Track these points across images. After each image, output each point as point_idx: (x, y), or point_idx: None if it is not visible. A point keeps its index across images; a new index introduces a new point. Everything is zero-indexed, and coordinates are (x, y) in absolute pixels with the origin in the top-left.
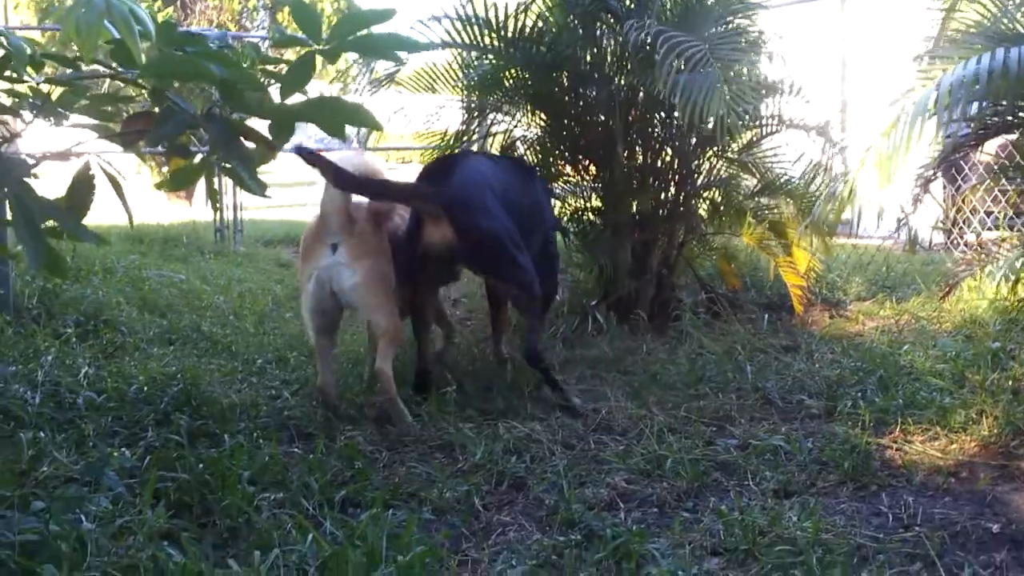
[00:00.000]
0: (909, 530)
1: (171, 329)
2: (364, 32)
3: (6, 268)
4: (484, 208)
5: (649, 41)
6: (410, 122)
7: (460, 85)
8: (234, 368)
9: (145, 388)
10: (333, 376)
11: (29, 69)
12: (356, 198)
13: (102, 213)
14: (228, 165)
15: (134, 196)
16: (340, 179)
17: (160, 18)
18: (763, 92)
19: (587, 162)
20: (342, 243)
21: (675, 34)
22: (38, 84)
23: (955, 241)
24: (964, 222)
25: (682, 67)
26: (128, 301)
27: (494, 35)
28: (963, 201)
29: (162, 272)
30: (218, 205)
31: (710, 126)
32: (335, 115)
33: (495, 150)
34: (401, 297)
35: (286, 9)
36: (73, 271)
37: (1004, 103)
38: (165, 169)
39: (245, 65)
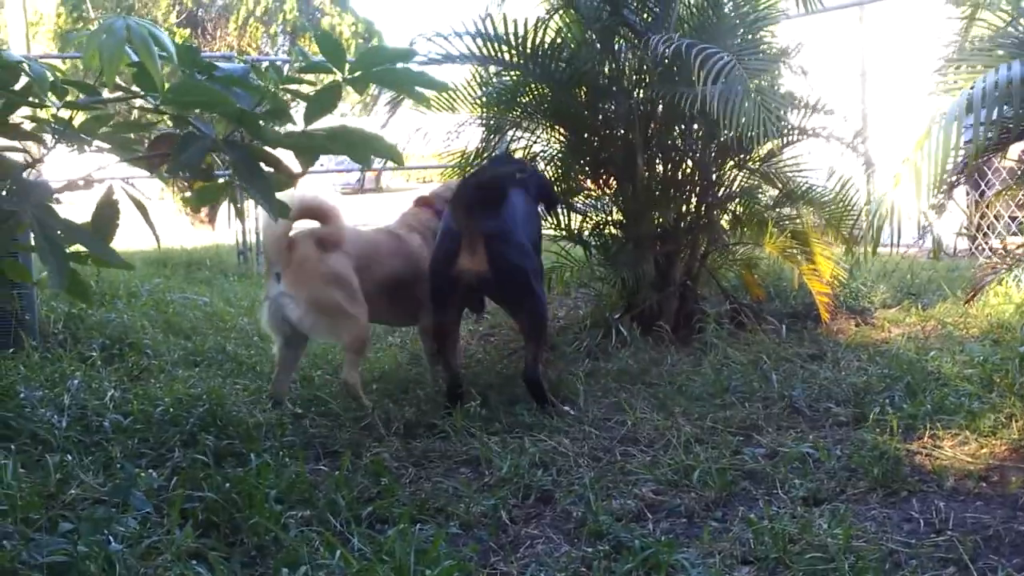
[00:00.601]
0: (941, 535)
1: (196, 351)
2: (390, 66)
3: (32, 294)
4: (520, 244)
5: (669, 54)
6: (429, 141)
7: (479, 103)
8: (259, 388)
9: (171, 410)
10: (287, 385)
11: (51, 95)
12: (301, 225)
13: (126, 238)
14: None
15: (158, 221)
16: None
17: (178, 40)
18: (785, 102)
19: (608, 176)
20: (283, 273)
21: (707, 46)
22: (59, 110)
23: (980, 247)
24: (988, 227)
25: (711, 79)
26: (153, 324)
27: (513, 51)
28: (987, 206)
29: (186, 295)
30: (245, 221)
31: (750, 134)
32: (357, 145)
33: None
34: (429, 317)
35: (307, 35)
36: (98, 296)
37: None
38: (188, 194)
39: (268, 86)
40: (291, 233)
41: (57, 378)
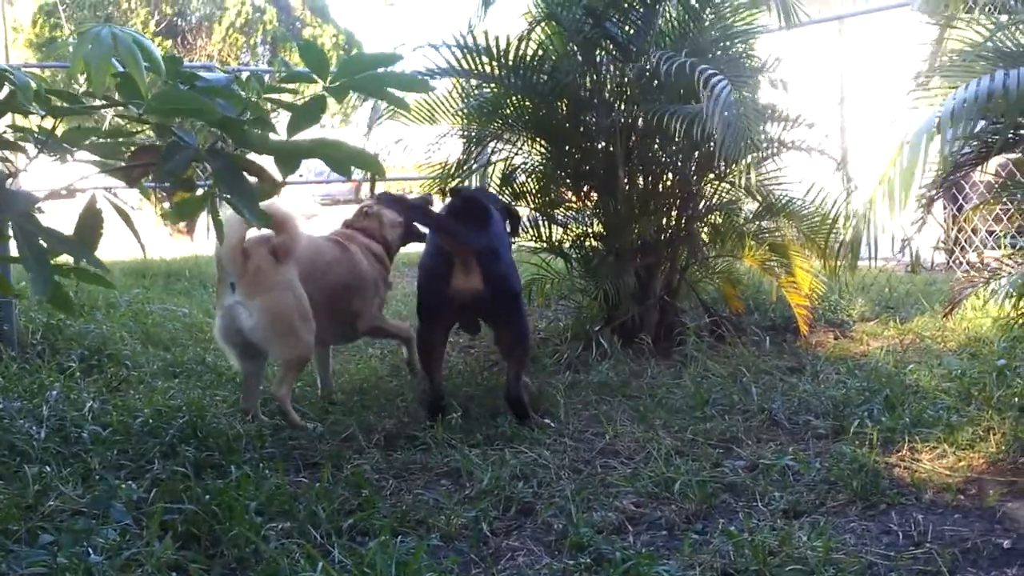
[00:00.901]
0: (920, 547)
1: (175, 362)
2: (371, 73)
3: (10, 304)
4: (509, 262)
5: (650, 68)
6: (410, 152)
7: (460, 114)
8: (238, 399)
9: (150, 421)
10: (256, 397)
11: (34, 105)
12: (255, 234)
13: (104, 249)
14: (230, 198)
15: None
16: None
17: (160, 52)
18: (766, 115)
19: (589, 188)
20: (237, 282)
21: (705, 64)
22: (42, 119)
23: (957, 260)
24: (966, 241)
25: (709, 96)
26: (132, 335)
27: (495, 63)
28: (964, 221)
29: (165, 306)
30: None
31: (729, 146)
32: (339, 156)
33: (496, 179)
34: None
35: (288, 45)
36: (76, 307)
37: (1004, 121)
38: (167, 204)
39: (250, 96)
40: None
41: (36, 389)
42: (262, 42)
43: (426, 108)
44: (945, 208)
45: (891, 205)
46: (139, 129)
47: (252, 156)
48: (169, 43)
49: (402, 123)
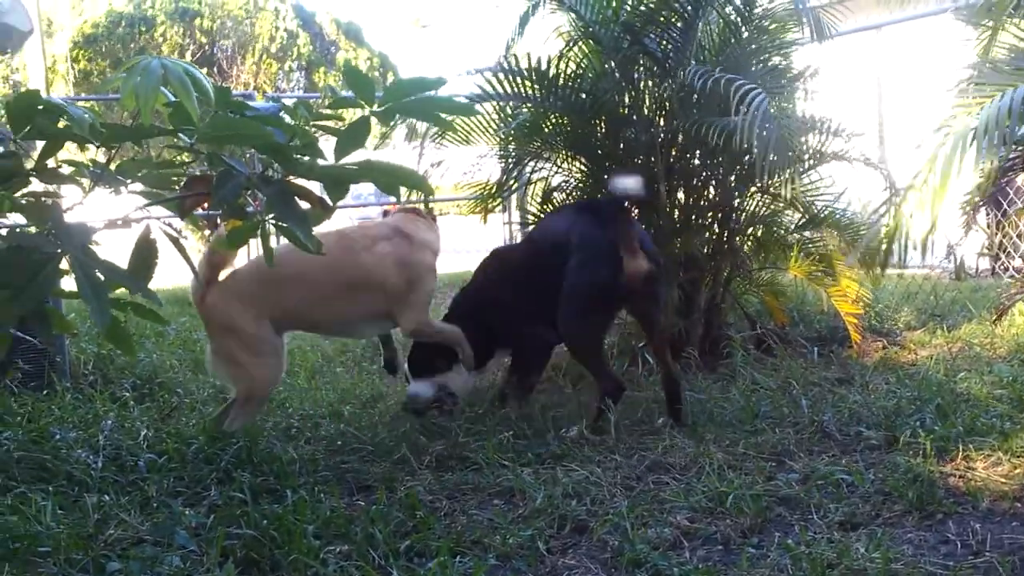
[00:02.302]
0: (979, 556)
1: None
2: (418, 97)
3: (62, 337)
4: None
5: (688, 83)
6: (445, 173)
7: (499, 134)
8: (290, 424)
9: (205, 448)
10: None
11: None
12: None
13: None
14: (283, 224)
15: (179, 261)
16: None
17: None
18: (806, 126)
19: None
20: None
21: (742, 80)
22: (98, 149)
23: (1003, 266)
24: (1011, 247)
25: (745, 110)
26: (181, 363)
27: (534, 84)
28: (1009, 226)
29: None
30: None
31: (772, 158)
32: (389, 178)
33: (535, 198)
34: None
35: (322, 69)
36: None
37: None
38: (207, 232)
39: (299, 123)
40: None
41: (90, 419)
42: (297, 67)
43: (464, 130)
44: (989, 214)
45: (933, 209)
46: (190, 159)
47: (300, 182)
48: (204, 70)
49: (443, 146)
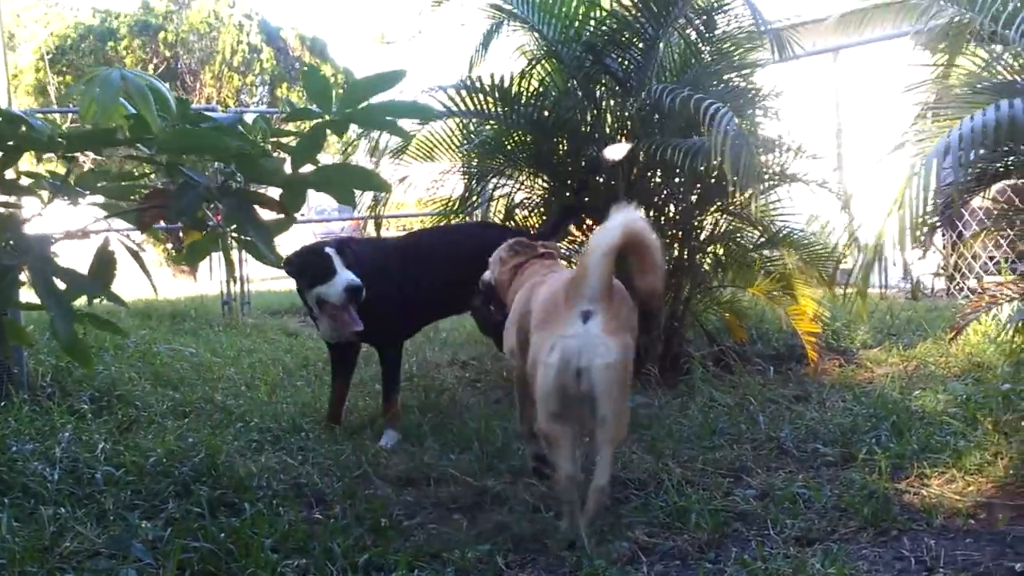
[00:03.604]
0: (933, 573)
1: (184, 402)
2: (377, 101)
3: (20, 348)
4: None
5: (650, 102)
6: (409, 189)
7: (462, 151)
8: (250, 438)
9: (163, 461)
10: (576, 465)
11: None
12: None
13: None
14: (243, 237)
15: (140, 272)
16: None
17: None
18: (766, 147)
19: (591, 222)
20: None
21: (709, 99)
22: (59, 158)
23: (958, 287)
24: (966, 268)
25: (714, 129)
26: (141, 376)
27: (497, 102)
28: (964, 247)
29: (172, 346)
30: (234, 274)
31: (732, 178)
32: (346, 180)
33: (498, 215)
34: None
35: (284, 84)
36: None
37: (1007, 147)
38: (170, 245)
39: (257, 138)
40: None
41: (47, 431)
42: (260, 82)
43: (427, 146)
44: (944, 235)
45: (901, 235)
46: (149, 171)
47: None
48: (167, 86)
49: (404, 162)
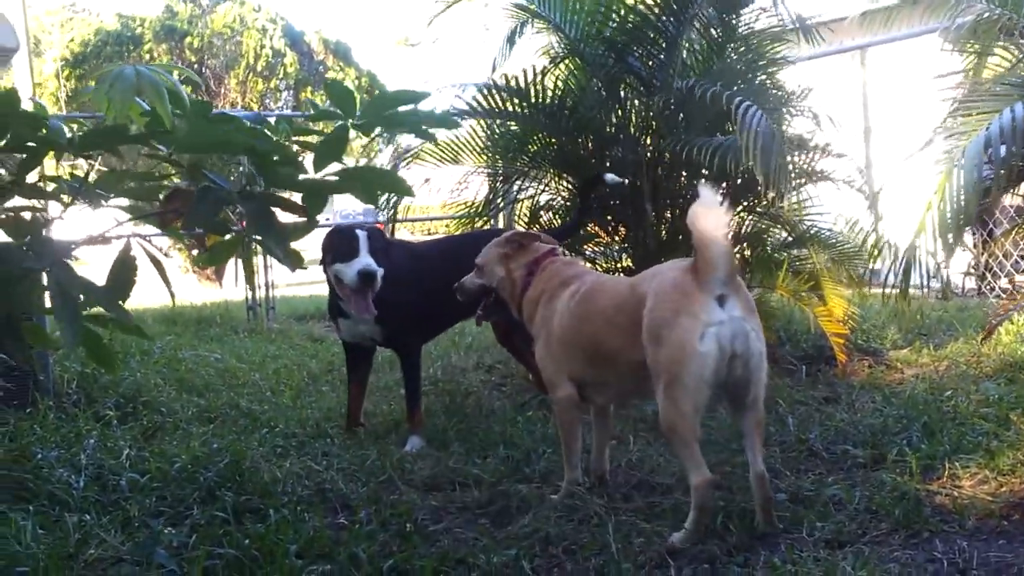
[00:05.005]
0: (965, 575)
1: (209, 408)
2: (403, 110)
3: (46, 354)
4: None
5: (675, 101)
6: (438, 192)
7: (486, 153)
8: (275, 443)
9: (188, 467)
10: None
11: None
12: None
13: (137, 295)
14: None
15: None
16: None
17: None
18: (794, 145)
19: (617, 223)
20: (732, 294)
21: (742, 96)
22: (74, 160)
23: (989, 286)
24: (997, 266)
25: (745, 128)
26: (166, 382)
27: (520, 102)
28: (995, 246)
29: (198, 352)
30: (255, 280)
31: (759, 176)
32: (369, 183)
33: (523, 218)
34: None
35: (308, 88)
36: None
37: None
38: (195, 252)
39: (279, 139)
40: None
41: (73, 438)
42: (284, 87)
43: (451, 149)
44: (975, 233)
45: (943, 228)
46: (171, 172)
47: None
48: (190, 90)
49: (428, 164)
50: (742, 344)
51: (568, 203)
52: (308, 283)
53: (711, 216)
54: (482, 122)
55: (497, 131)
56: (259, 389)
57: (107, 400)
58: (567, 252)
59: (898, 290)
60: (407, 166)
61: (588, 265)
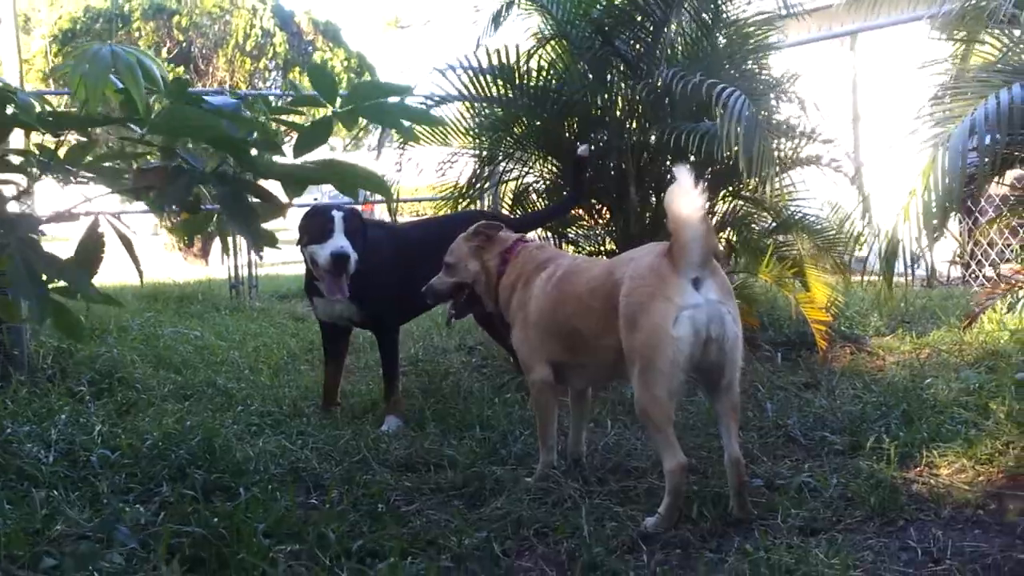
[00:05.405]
0: (939, 564)
1: (186, 385)
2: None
3: (21, 328)
4: None
5: (661, 86)
6: (421, 172)
7: (471, 134)
8: (250, 421)
9: (160, 444)
10: None
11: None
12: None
13: (117, 272)
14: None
15: (152, 256)
16: None
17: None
18: (780, 131)
19: (601, 206)
20: (706, 277)
21: (722, 84)
22: (44, 136)
23: (973, 274)
24: (982, 255)
25: (727, 114)
26: (143, 359)
27: (505, 84)
28: (980, 234)
29: (177, 329)
30: (234, 257)
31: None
32: (347, 178)
33: (508, 198)
34: None
35: (297, 68)
36: (87, 331)
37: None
38: (174, 222)
39: (257, 117)
40: None
41: (45, 413)
42: (273, 67)
43: (437, 130)
44: (960, 222)
45: (926, 216)
46: (143, 152)
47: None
48: (181, 69)
49: (416, 145)
50: (717, 327)
51: (551, 185)
52: (292, 262)
53: (687, 199)
54: (468, 104)
55: (483, 112)
56: (237, 367)
57: (82, 376)
58: (549, 235)
59: (882, 277)
60: (390, 146)
61: (570, 249)
